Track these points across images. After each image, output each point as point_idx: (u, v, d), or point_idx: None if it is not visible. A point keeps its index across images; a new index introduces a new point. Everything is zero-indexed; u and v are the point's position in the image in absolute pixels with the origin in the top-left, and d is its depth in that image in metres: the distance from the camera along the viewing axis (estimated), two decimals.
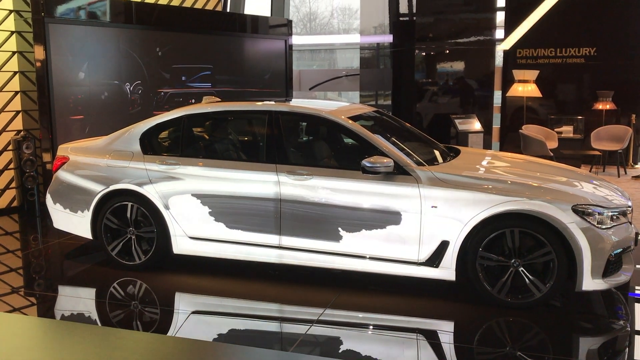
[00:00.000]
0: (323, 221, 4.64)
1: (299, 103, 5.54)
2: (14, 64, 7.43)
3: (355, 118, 4.95)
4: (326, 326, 4.19)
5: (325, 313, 4.36)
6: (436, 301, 4.53)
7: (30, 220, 7.29)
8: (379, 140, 4.67)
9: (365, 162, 4.44)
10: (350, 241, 4.60)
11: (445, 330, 4.23)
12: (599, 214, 4.19)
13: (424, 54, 10.81)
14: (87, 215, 5.27)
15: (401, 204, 4.43)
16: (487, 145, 10.45)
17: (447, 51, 10.83)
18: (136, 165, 5.16)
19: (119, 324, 4.27)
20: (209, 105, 5.32)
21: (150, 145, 5.26)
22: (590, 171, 9.45)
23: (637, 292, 4.84)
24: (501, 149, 11.03)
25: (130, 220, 5.17)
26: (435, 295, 4.61)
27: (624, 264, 4.37)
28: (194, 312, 4.53)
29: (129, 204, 5.14)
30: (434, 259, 4.41)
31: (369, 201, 4.52)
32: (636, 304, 4.66)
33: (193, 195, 4.97)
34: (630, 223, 4.47)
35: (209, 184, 4.94)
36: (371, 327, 4.27)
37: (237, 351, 3.79)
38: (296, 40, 12.20)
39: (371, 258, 4.58)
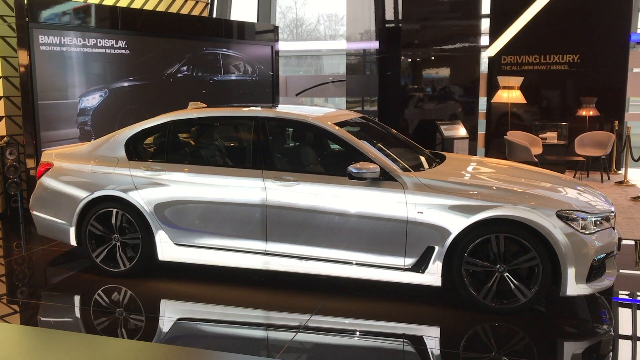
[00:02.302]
0: (309, 227, 4.64)
1: (286, 109, 5.54)
2: None
3: (341, 124, 4.96)
4: (313, 332, 4.18)
5: (311, 319, 4.35)
6: (422, 307, 4.54)
7: (13, 227, 7.20)
8: (365, 146, 4.69)
9: (352, 168, 4.44)
10: (337, 247, 4.60)
11: (431, 335, 4.24)
12: (583, 219, 4.23)
13: (409, 60, 10.86)
14: (72, 221, 5.22)
15: (387, 210, 4.44)
16: (472, 151, 10.52)
17: (433, 57, 10.90)
18: (121, 172, 5.12)
19: (103, 332, 4.23)
20: (194, 111, 5.30)
21: (136, 151, 5.23)
22: (574, 177, 9.54)
23: (620, 296, 4.89)
24: (486, 155, 11.11)
25: (115, 227, 5.13)
26: (421, 300, 4.62)
27: (608, 269, 4.41)
28: (179, 319, 4.50)
29: (114, 211, 5.11)
30: (420, 265, 4.42)
31: (355, 207, 4.53)
32: (620, 308, 4.71)
33: (178, 201, 4.95)
34: (614, 228, 4.51)
35: (194, 190, 4.92)
36: (358, 333, 4.26)
37: (223, 358, 3.77)
38: (283, 46, 12.22)
39: (357, 264, 4.58)
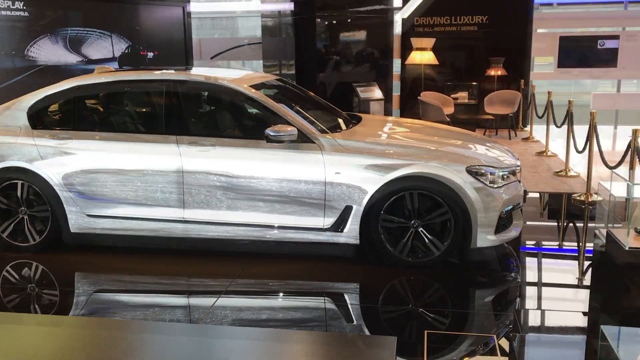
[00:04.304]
0: (228, 192, 4.59)
1: (199, 72, 5.40)
2: None
3: (257, 87, 4.89)
4: (235, 296, 4.19)
5: (233, 283, 4.35)
6: (342, 265, 4.64)
7: None
8: (282, 109, 4.66)
9: (269, 131, 4.41)
10: (256, 211, 4.59)
11: (351, 291, 4.35)
12: (491, 174, 4.43)
13: (325, 22, 10.82)
14: None
15: (305, 172, 4.47)
16: (387, 112, 10.71)
17: (349, 20, 10.91)
18: (25, 141, 4.84)
19: (14, 309, 4.06)
20: (102, 75, 5.06)
21: (40, 119, 4.95)
22: (484, 134, 9.94)
23: (527, 245, 5.19)
24: (401, 116, 11.34)
25: (21, 200, 4.87)
26: (341, 259, 4.71)
27: (515, 220, 4.66)
28: (96, 292, 4.38)
29: (19, 182, 4.84)
30: (339, 224, 4.50)
31: (274, 170, 4.52)
32: (526, 257, 5.00)
33: (89, 170, 4.75)
34: (519, 181, 4.76)
35: (105, 159, 4.73)
36: (280, 293, 4.31)
37: (145, 326, 3.70)
38: (195, 7, 11.82)
39: (279, 227, 4.59)
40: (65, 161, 4.77)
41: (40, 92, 5.00)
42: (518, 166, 4.75)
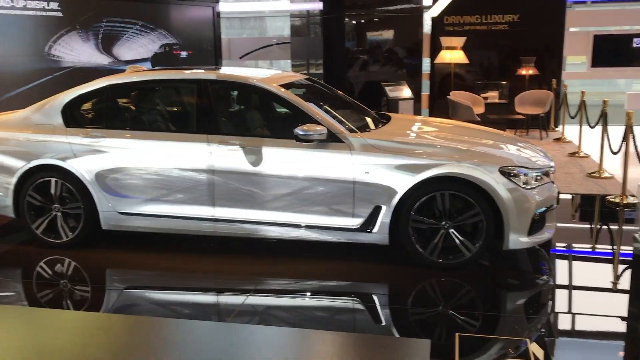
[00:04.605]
0: (257, 191, 4.60)
1: (230, 71, 5.42)
2: None
3: (287, 86, 4.89)
4: (263, 295, 4.19)
5: (262, 282, 4.36)
6: (370, 265, 4.61)
7: None
8: (311, 108, 4.65)
9: (298, 130, 4.41)
10: (285, 210, 4.58)
11: (380, 292, 4.32)
12: (524, 174, 4.35)
13: (354, 22, 10.78)
14: (8, 192, 5.00)
15: (334, 171, 4.45)
16: (416, 112, 10.62)
17: (377, 19, 10.85)
18: (58, 139, 4.92)
19: (48, 305, 4.12)
20: (134, 74, 5.12)
21: (73, 117, 5.02)
22: (514, 135, 9.79)
23: (557, 248, 5.09)
24: (430, 115, 11.25)
25: (55, 197, 4.95)
26: (370, 259, 4.69)
27: (547, 222, 4.57)
28: (127, 288, 4.42)
29: (53, 180, 4.91)
30: (368, 224, 4.46)
31: (303, 169, 4.51)
32: (557, 260, 4.91)
33: (120, 169, 4.80)
34: (553, 183, 4.67)
35: (137, 157, 4.78)
36: (308, 293, 4.30)
37: (173, 324, 3.72)
38: (224, 7, 11.89)
39: (306, 226, 4.58)
40: (97, 159, 4.83)
41: (74, 91, 5.07)
42: (552, 167, 4.66)
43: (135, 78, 5.07)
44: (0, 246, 5.34)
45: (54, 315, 3.91)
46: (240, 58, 12.82)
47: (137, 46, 8.63)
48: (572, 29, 11.21)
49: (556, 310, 3.98)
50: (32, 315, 3.92)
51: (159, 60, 8.90)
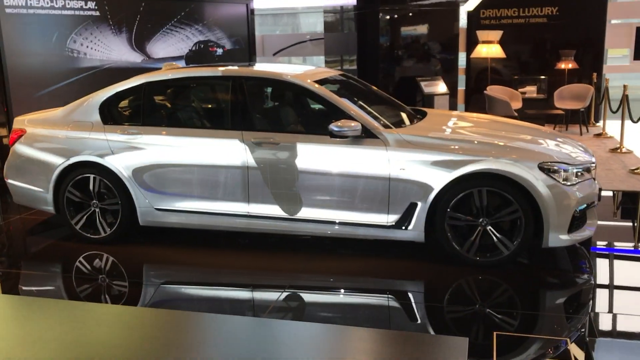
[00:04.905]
0: (291, 187, 4.60)
1: (263, 68, 5.42)
2: None
3: (321, 82, 4.87)
4: (298, 291, 4.19)
5: (297, 278, 4.36)
6: (406, 263, 4.56)
7: None
8: (346, 103, 4.62)
9: (333, 127, 4.38)
10: (320, 207, 4.57)
11: (416, 290, 4.27)
12: (565, 171, 4.24)
13: (388, 16, 10.69)
14: (48, 189, 5.11)
15: (369, 167, 4.41)
16: (452, 107, 10.50)
17: (412, 13, 10.74)
18: (96, 136, 5.00)
19: (86, 299, 4.20)
20: (169, 72, 5.17)
21: (111, 114, 5.10)
22: (553, 130, 9.58)
23: (598, 246, 4.95)
24: (466, 111, 11.09)
25: (93, 193, 5.03)
26: (405, 256, 4.64)
27: (588, 219, 4.45)
28: (163, 284, 4.47)
29: (91, 176, 5.00)
30: (403, 221, 4.42)
31: (337, 165, 4.48)
32: (597, 258, 4.77)
33: (157, 165, 4.86)
34: (594, 179, 4.54)
35: (173, 154, 4.83)
36: (342, 290, 4.28)
37: (209, 319, 3.75)
38: (257, 4, 11.93)
39: (341, 223, 4.56)
40: (134, 156, 4.89)
41: (111, 89, 5.15)
42: (593, 163, 4.54)
43: (170, 75, 5.12)
44: (41, 241, 5.47)
45: (93, 309, 3.97)
46: (274, 55, 12.85)
47: (171, 44, 8.71)
48: (614, 21, 10.89)
49: (597, 310, 3.87)
50: (72, 308, 4.00)
51: (193, 57, 8.97)
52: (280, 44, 12.93)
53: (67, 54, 7.47)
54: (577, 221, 4.31)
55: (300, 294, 4.17)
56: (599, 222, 4.73)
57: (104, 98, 5.11)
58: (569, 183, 4.24)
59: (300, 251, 4.85)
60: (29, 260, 5.08)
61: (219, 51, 9.41)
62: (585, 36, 10.54)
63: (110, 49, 7.93)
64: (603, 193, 5.43)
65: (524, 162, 4.20)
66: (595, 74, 10.34)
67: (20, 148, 5.27)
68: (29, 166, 5.21)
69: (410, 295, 4.18)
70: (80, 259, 4.85)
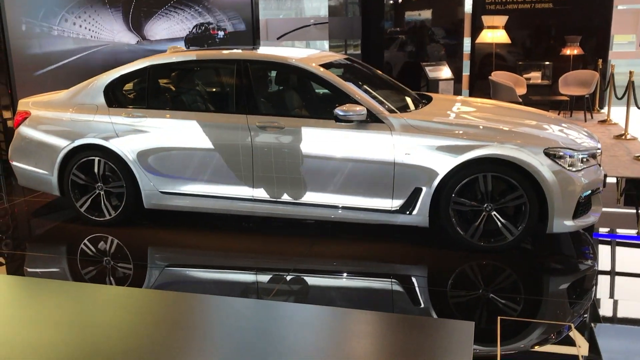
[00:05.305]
0: (296, 172, 4.59)
1: (269, 51, 5.40)
2: None
3: (326, 66, 4.85)
4: (302, 275, 4.20)
5: (300, 262, 4.37)
6: (410, 247, 4.57)
7: None
8: (351, 88, 4.60)
9: (338, 111, 4.37)
10: (324, 191, 4.57)
11: (419, 274, 4.28)
12: (570, 156, 4.23)
13: (392, 1, 10.61)
14: (53, 171, 5.12)
15: (374, 152, 4.41)
16: (457, 92, 10.45)
17: None
18: (101, 119, 5.00)
19: (91, 280, 4.22)
20: (173, 55, 5.15)
21: (115, 97, 5.09)
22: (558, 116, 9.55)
23: (600, 232, 4.95)
24: (470, 96, 11.04)
25: (98, 176, 5.04)
26: (409, 241, 4.65)
27: (593, 206, 4.45)
28: (168, 266, 4.49)
29: (96, 159, 5.01)
30: (408, 206, 4.42)
31: (342, 150, 4.48)
32: (600, 245, 4.77)
33: (162, 148, 4.86)
34: (599, 165, 4.53)
35: (177, 137, 4.82)
36: (346, 273, 4.30)
37: (214, 301, 3.78)
38: None
39: (345, 207, 4.57)
40: (139, 139, 4.89)
41: (116, 72, 5.13)
42: (598, 149, 4.52)
43: (175, 58, 5.10)
44: (46, 223, 5.49)
45: (98, 290, 4.00)
46: (278, 39, 12.79)
47: (170, 25, 8.59)
48: (620, 7, 10.80)
49: (599, 296, 3.89)
50: (77, 289, 4.03)
51: (193, 40, 8.84)
52: (284, 28, 12.86)
53: (65, 35, 7.43)
54: (582, 207, 4.31)
55: (305, 277, 4.19)
56: (603, 209, 4.72)
57: (109, 81, 5.09)
58: (574, 169, 4.23)
59: (305, 235, 4.86)
60: (34, 242, 5.10)
61: (221, 34, 9.32)
62: (591, 22, 10.46)
63: (107, 29, 7.86)
64: (607, 180, 5.42)
65: (530, 147, 4.19)
66: (600, 60, 10.27)
67: (25, 130, 5.27)
68: (34, 148, 5.22)
69: (413, 279, 4.19)
70: (85, 241, 4.87)
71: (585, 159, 4.32)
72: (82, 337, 3.19)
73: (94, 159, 5.01)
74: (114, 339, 3.09)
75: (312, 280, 4.20)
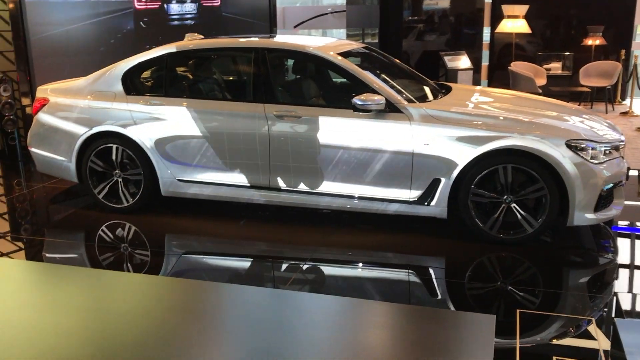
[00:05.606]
0: (313, 161, 4.57)
1: (286, 39, 5.36)
2: None
3: (344, 54, 4.80)
4: (318, 264, 4.19)
5: (316, 251, 4.36)
6: (427, 238, 4.54)
7: (12, 165, 7.14)
8: (369, 77, 4.55)
9: (356, 100, 4.33)
10: (342, 180, 4.54)
11: (437, 266, 4.25)
12: (592, 148, 4.16)
13: None
14: (71, 158, 5.14)
15: (393, 142, 4.36)
16: (475, 82, 10.33)
17: None
18: (119, 106, 5.00)
19: (109, 267, 4.24)
20: (191, 43, 5.13)
21: (133, 85, 5.09)
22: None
23: (620, 225, 4.87)
24: (489, 87, 10.92)
25: (116, 163, 5.06)
26: (427, 232, 4.61)
27: (615, 199, 4.38)
28: (185, 253, 4.50)
29: (114, 146, 5.02)
30: (426, 197, 4.38)
31: (360, 140, 4.44)
32: (620, 238, 4.70)
33: (179, 136, 4.86)
34: (622, 157, 4.45)
35: (195, 125, 4.81)
36: (362, 264, 4.27)
37: (230, 289, 3.78)
38: None
39: (362, 198, 4.54)
40: (157, 126, 4.89)
41: (134, 59, 5.13)
42: (622, 141, 4.44)
43: (192, 46, 5.08)
44: (64, 210, 5.53)
45: (115, 277, 4.03)
46: (295, 27, 12.71)
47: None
48: None
49: (620, 289, 3.83)
50: (94, 276, 4.06)
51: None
52: (301, 16, 12.77)
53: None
54: (604, 200, 4.24)
55: (321, 267, 4.17)
56: (627, 202, 4.64)
57: (127, 68, 5.09)
58: (596, 161, 4.16)
59: (321, 224, 4.84)
60: (52, 228, 5.14)
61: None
62: (614, 12, 10.27)
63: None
64: (629, 172, 5.32)
65: (551, 139, 4.12)
66: (623, 51, 10.09)
67: (44, 117, 5.30)
68: (52, 135, 5.24)
69: (431, 270, 4.16)
70: (103, 227, 4.89)
71: (607, 151, 4.24)
72: (99, 322, 3.21)
73: (111, 146, 5.02)
74: (130, 325, 3.11)
75: (328, 270, 4.18)
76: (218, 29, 8.94)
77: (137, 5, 7.95)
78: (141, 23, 8.04)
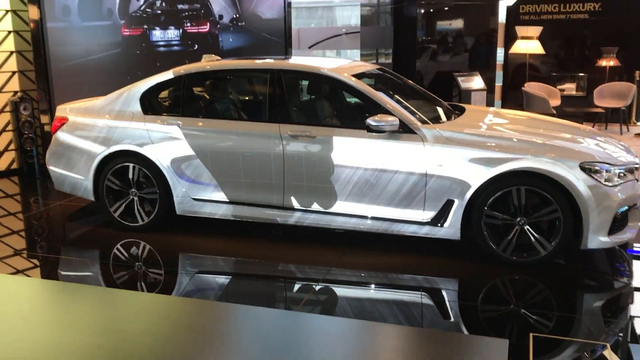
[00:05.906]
0: (327, 181, 4.60)
1: (301, 61, 5.43)
2: (7, 24, 7.26)
3: (358, 75, 4.85)
4: (331, 285, 4.20)
5: (330, 272, 4.37)
6: (440, 260, 4.53)
7: (30, 183, 7.25)
8: (383, 98, 4.59)
9: (370, 121, 4.37)
10: (355, 201, 4.56)
11: (450, 288, 4.24)
12: (607, 171, 4.15)
13: (425, 10, 10.58)
14: (88, 176, 5.22)
15: (406, 163, 4.39)
16: (489, 103, 10.33)
17: (449, 7, 10.60)
18: (137, 126, 5.08)
19: (122, 286, 4.28)
20: (208, 64, 5.21)
21: (151, 105, 5.18)
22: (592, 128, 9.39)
23: (635, 249, 4.83)
24: (503, 107, 10.93)
25: (132, 182, 5.12)
26: (440, 254, 4.61)
27: (630, 222, 4.35)
28: (198, 273, 4.53)
29: (131, 165, 5.09)
30: (439, 218, 4.39)
31: (374, 160, 4.47)
32: (634, 261, 4.65)
33: (194, 156, 4.92)
34: (637, 180, 4.43)
35: (211, 145, 4.87)
36: (375, 285, 4.27)
37: (242, 310, 3.80)
38: None
39: (375, 218, 4.55)
40: (173, 146, 4.96)
41: (152, 80, 5.22)
42: (636, 163, 4.43)
43: (209, 67, 5.17)
44: (80, 227, 5.59)
45: (128, 297, 4.06)
46: (310, 48, 12.83)
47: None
48: None
49: (635, 314, 3.79)
50: (108, 295, 4.09)
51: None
52: (316, 37, 12.90)
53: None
54: (619, 223, 4.21)
55: (334, 288, 4.18)
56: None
57: (145, 88, 5.18)
58: (610, 184, 4.15)
59: (335, 245, 4.85)
60: (68, 245, 5.20)
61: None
62: (628, 33, 10.27)
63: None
64: None
65: (565, 161, 4.12)
66: (638, 72, 10.06)
67: (62, 136, 5.39)
68: (70, 154, 5.33)
69: (444, 293, 4.15)
70: (118, 246, 4.94)
71: (622, 174, 4.23)
72: (112, 342, 3.23)
73: (128, 165, 5.10)
74: (142, 345, 3.13)
75: (341, 291, 4.19)
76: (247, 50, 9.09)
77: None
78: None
